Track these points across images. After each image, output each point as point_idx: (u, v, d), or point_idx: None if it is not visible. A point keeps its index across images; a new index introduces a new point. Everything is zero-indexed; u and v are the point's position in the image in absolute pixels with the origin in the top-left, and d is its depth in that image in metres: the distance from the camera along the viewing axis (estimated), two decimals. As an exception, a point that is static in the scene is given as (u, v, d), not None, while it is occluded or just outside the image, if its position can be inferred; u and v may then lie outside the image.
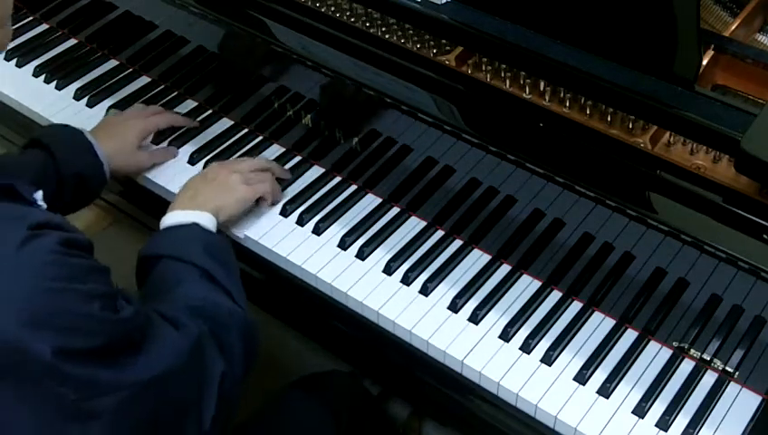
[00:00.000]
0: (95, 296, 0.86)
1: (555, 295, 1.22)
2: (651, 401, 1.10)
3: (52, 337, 0.81)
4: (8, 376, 0.81)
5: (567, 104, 1.16)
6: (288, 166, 1.41)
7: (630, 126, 1.13)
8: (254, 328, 1.10)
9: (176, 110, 1.51)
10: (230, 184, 1.26)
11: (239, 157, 1.42)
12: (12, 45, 1.61)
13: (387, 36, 1.27)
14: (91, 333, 0.84)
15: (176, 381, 0.94)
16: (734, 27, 1.20)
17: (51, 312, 0.81)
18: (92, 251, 0.93)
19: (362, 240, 1.29)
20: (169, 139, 1.45)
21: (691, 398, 1.11)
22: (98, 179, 1.31)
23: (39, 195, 0.96)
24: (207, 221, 1.18)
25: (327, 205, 1.35)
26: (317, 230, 1.31)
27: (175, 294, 1.06)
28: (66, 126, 1.34)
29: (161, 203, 1.41)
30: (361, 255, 1.27)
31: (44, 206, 0.96)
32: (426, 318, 1.20)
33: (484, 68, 1.22)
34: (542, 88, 1.18)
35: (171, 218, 1.19)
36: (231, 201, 1.25)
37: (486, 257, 1.27)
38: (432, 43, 1.26)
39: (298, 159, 1.42)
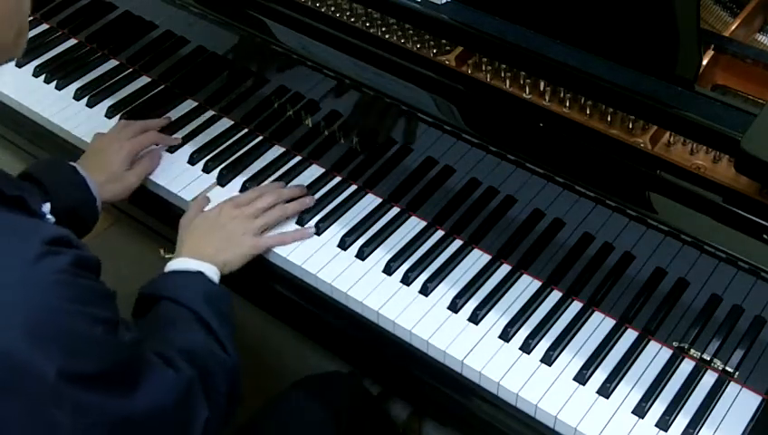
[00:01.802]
0: (100, 320, 0.85)
1: (555, 295, 1.22)
2: (651, 401, 1.10)
3: (57, 358, 0.80)
4: (8, 390, 0.80)
5: (567, 104, 1.16)
6: (288, 166, 1.41)
7: (630, 126, 1.13)
8: (240, 374, 1.10)
9: (176, 110, 1.51)
10: (239, 238, 1.25)
11: (240, 154, 1.43)
12: (12, 45, 1.61)
13: (387, 36, 1.27)
14: (95, 357, 0.84)
15: (167, 418, 0.94)
16: (734, 27, 1.20)
17: (58, 332, 0.81)
18: (100, 270, 0.92)
19: (362, 240, 1.29)
20: (169, 139, 1.46)
21: (691, 398, 1.11)
22: (91, 214, 1.31)
23: (47, 208, 0.95)
24: (212, 273, 1.19)
25: (327, 205, 1.35)
26: (317, 230, 1.31)
27: (169, 335, 1.06)
28: (57, 160, 1.33)
29: (162, 204, 1.41)
30: (361, 255, 1.27)
31: (52, 219, 0.96)
32: (426, 318, 1.20)
33: (484, 68, 1.22)
34: (542, 88, 1.18)
35: (177, 264, 1.19)
36: (237, 256, 1.24)
37: (486, 257, 1.27)
38: (432, 43, 1.26)
39: (298, 159, 1.42)
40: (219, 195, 1.36)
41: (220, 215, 1.27)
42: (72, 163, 1.31)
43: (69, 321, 0.82)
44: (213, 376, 1.04)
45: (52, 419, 0.82)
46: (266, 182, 1.39)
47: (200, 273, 1.17)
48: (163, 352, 0.98)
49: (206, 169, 1.41)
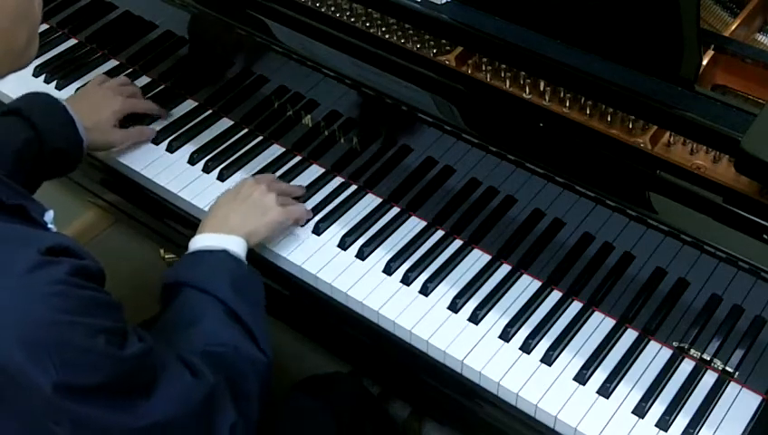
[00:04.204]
0: (101, 331, 0.82)
1: (555, 295, 1.22)
2: (651, 401, 1.10)
3: (54, 370, 0.78)
4: (4, 405, 0.79)
5: (567, 104, 1.16)
6: (288, 166, 1.41)
7: (630, 126, 1.13)
8: (271, 372, 1.06)
9: (176, 110, 1.51)
10: (265, 204, 1.22)
11: (240, 154, 1.43)
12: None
13: (387, 36, 1.27)
14: (94, 369, 0.81)
15: (183, 429, 0.90)
16: (734, 27, 1.20)
17: (55, 344, 0.79)
18: (104, 279, 0.89)
19: (362, 240, 1.29)
20: (170, 138, 1.45)
21: (691, 398, 1.11)
22: (76, 156, 1.31)
23: (49, 216, 0.93)
24: (237, 246, 1.14)
25: (327, 205, 1.35)
26: (317, 230, 1.31)
27: (195, 333, 1.02)
28: (46, 96, 1.32)
29: (162, 204, 1.41)
30: (361, 255, 1.27)
31: (54, 228, 0.94)
32: (426, 318, 1.20)
33: (484, 68, 1.22)
34: (542, 88, 1.18)
35: (200, 242, 1.15)
36: (264, 224, 1.21)
37: (486, 257, 1.27)
38: (432, 43, 1.26)
39: (298, 159, 1.42)
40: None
41: (241, 189, 1.24)
42: (62, 102, 1.31)
43: (65, 333, 0.80)
44: (242, 377, 1.00)
45: (51, 434, 0.80)
46: (266, 182, 1.39)
47: (224, 251, 1.12)
48: (186, 355, 0.95)
49: (207, 169, 1.41)
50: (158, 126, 1.48)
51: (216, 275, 1.09)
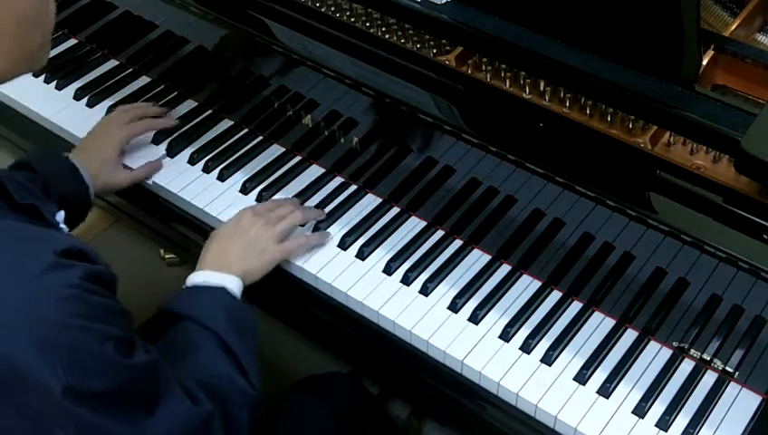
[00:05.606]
0: (110, 338, 0.83)
1: (555, 295, 1.22)
2: (651, 401, 1.10)
3: (63, 374, 0.79)
4: (12, 404, 0.79)
5: (567, 104, 1.16)
6: (288, 166, 1.41)
7: (630, 126, 1.13)
8: (262, 404, 1.08)
9: (176, 110, 1.51)
10: (261, 245, 1.22)
11: (240, 154, 1.43)
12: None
13: (387, 36, 1.27)
14: (101, 375, 0.82)
15: None
16: (734, 27, 1.20)
17: (66, 347, 0.79)
18: (116, 285, 0.90)
19: (362, 240, 1.29)
20: (169, 139, 1.45)
21: (691, 398, 1.11)
22: (84, 203, 1.30)
23: (60, 216, 0.94)
24: (234, 285, 1.16)
25: (327, 205, 1.35)
26: (317, 230, 1.31)
27: (192, 363, 1.03)
28: (50, 148, 1.32)
29: (162, 204, 1.41)
30: (361, 255, 1.27)
31: (66, 228, 0.94)
32: (426, 318, 1.20)
33: (484, 68, 1.22)
34: (542, 88, 1.18)
35: (199, 277, 1.17)
36: (260, 265, 1.21)
37: (486, 257, 1.27)
38: (432, 43, 1.26)
39: (298, 159, 1.42)
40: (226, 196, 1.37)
41: (240, 222, 1.24)
42: (65, 154, 1.31)
43: (77, 337, 0.80)
44: (234, 407, 1.02)
45: None
46: (267, 182, 1.39)
47: (222, 288, 1.14)
48: (185, 382, 0.96)
49: (207, 169, 1.41)
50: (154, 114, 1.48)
51: (214, 310, 1.11)
